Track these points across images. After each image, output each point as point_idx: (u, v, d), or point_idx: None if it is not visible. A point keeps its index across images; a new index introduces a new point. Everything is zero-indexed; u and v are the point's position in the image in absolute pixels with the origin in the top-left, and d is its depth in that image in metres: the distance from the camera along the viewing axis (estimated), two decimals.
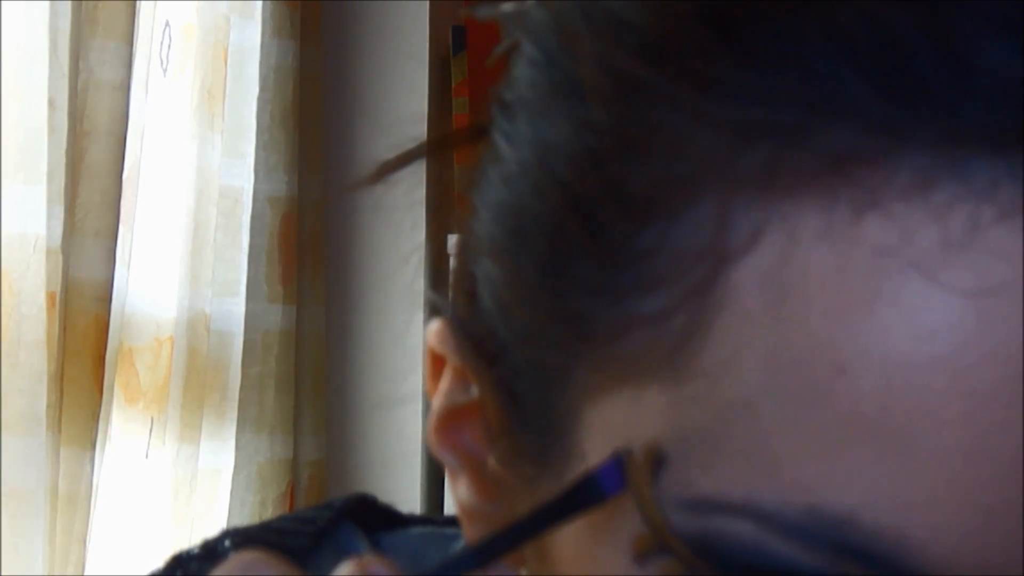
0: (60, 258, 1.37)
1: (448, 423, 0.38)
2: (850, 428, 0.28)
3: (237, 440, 1.63)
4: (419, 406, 1.87)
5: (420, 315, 1.86)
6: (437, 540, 0.50)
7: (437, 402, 0.38)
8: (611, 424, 0.32)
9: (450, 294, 0.40)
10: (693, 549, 0.30)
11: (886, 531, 0.28)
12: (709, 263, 0.30)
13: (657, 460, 0.30)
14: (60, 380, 1.40)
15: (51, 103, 1.34)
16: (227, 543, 0.49)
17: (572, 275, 0.32)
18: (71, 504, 1.43)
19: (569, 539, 0.34)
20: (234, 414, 1.62)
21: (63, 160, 1.37)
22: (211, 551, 0.49)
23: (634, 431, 0.31)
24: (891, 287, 0.28)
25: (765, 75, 0.29)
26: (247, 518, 1.66)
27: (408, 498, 1.83)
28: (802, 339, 0.29)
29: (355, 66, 1.88)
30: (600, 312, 0.32)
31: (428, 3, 1.88)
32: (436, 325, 0.38)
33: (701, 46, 0.30)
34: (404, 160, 0.43)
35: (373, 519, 0.51)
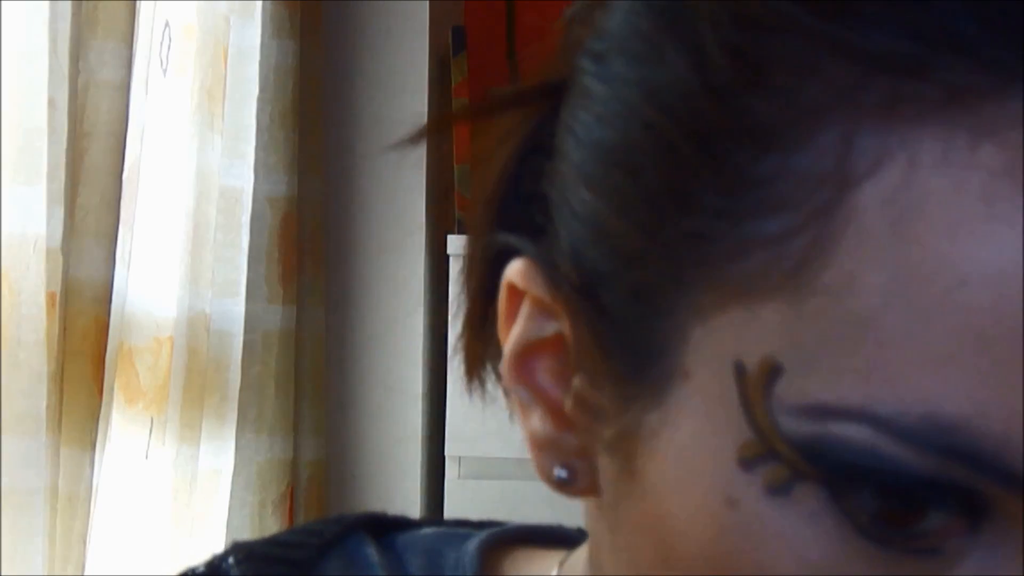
0: (60, 258, 1.37)
1: (524, 357, 0.40)
2: (965, 338, 0.31)
3: (237, 440, 1.63)
4: (419, 406, 1.87)
5: (420, 315, 1.86)
6: (451, 539, 0.50)
7: (513, 338, 0.40)
8: (721, 341, 0.34)
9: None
10: (801, 452, 0.32)
11: (994, 436, 0.31)
12: (833, 187, 0.32)
13: (773, 371, 0.33)
14: (60, 380, 1.39)
15: (51, 103, 1.34)
16: (231, 560, 0.49)
17: (692, 200, 0.34)
18: (71, 504, 1.43)
19: (669, 453, 0.36)
20: (234, 414, 1.62)
21: (63, 160, 1.37)
22: (216, 569, 0.49)
23: (745, 347, 0.34)
24: (1004, 207, 0.31)
25: (888, 7, 0.32)
26: (247, 518, 1.66)
27: (408, 498, 1.83)
28: (923, 256, 0.31)
29: (355, 66, 1.88)
30: (720, 234, 0.34)
31: (428, 3, 1.88)
32: (519, 263, 0.40)
33: None
34: (428, 131, 0.45)
35: (384, 528, 0.51)
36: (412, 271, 1.85)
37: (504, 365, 0.40)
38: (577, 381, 0.39)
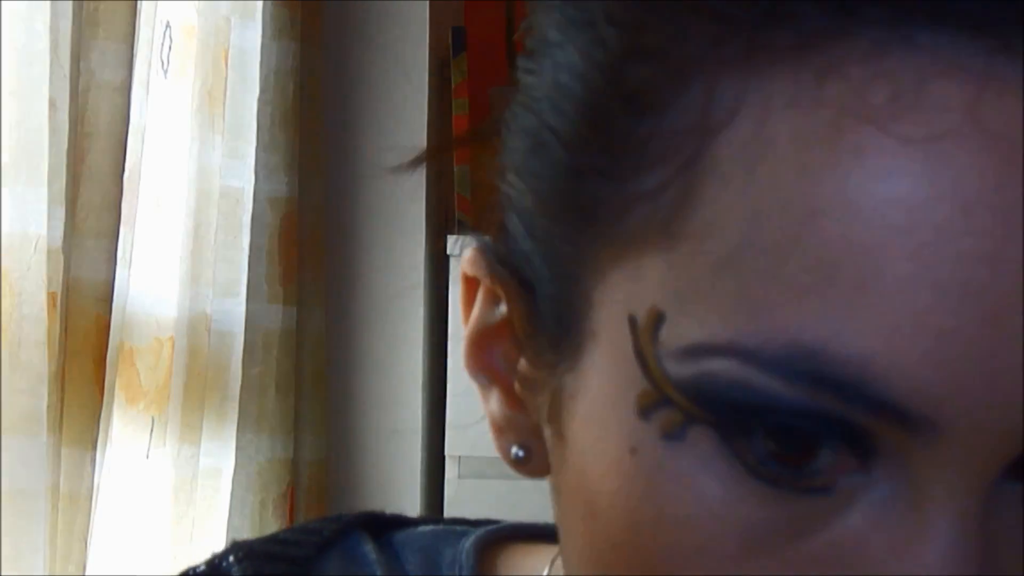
0: (61, 258, 1.37)
1: (480, 343, 0.42)
2: (820, 269, 0.32)
3: (237, 440, 1.63)
4: (419, 405, 1.87)
5: (420, 315, 1.87)
6: (447, 536, 0.51)
7: (470, 325, 0.42)
8: (617, 298, 0.36)
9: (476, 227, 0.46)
10: (687, 394, 0.34)
11: (854, 360, 0.32)
12: (696, 139, 0.34)
13: (657, 319, 0.35)
14: (61, 380, 1.40)
15: (52, 104, 1.35)
16: (231, 558, 0.50)
17: (583, 169, 0.37)
18: (72, 504, 1.43)
19: (583, 412, 0.38)
20: (234, 414, 1.62)
21: (64, 161, 1.37)
22: (216, 568, 0.50)
23: (635, 300, 0.35)
24: (850, 139, 0.32)
25: None
26: (247, 518, 1.66)
27: (408, 498, 1.83)
28: (775, 194, 0.33)
29: (355, 67, 1.88)
30: (606, 196, 0.36)
31: (428, 4, 1.88)
32: (468, 252, 0.42)
33: None
34: (427, 157, 0.49)
35: (382, 526, 0.52)
36: (412, 271, 1.85)
37: (463, 352, 0.43)
38: (521, 360, 0.41)
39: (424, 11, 1.88)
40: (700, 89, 0.34)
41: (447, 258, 1.81)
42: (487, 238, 0.43)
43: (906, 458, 0.33)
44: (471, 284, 0.43)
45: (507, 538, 0.52)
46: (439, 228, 1.87)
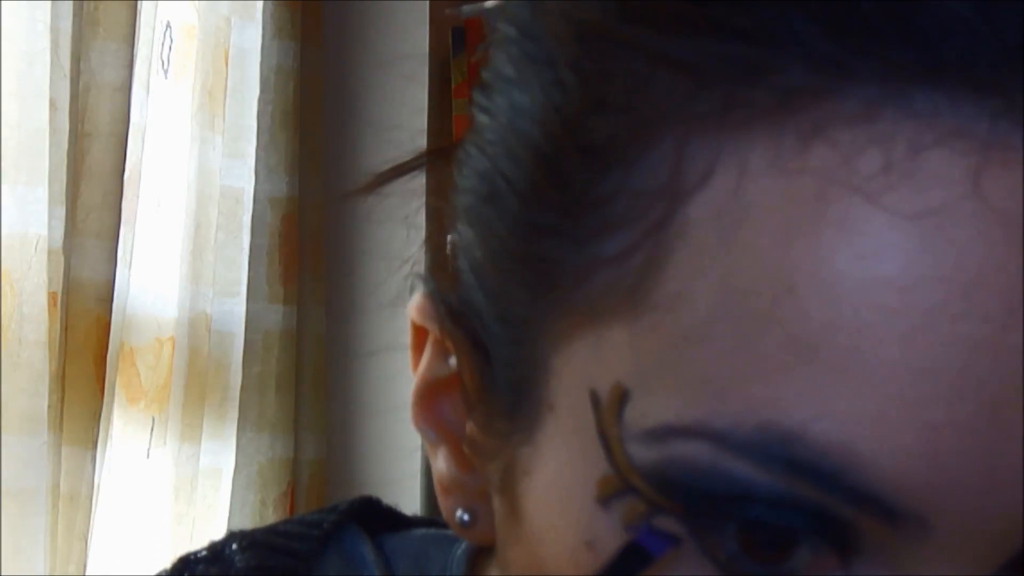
0: (61, 258, 1.37)
1: (428, 396, 0.39)
2: (798, 347, 0.29)
3: (238, 440, 1.63)
4: None
5: None
6: (439, 541, 0.50)
7: (418, 376, 0.39)
8: (577, 370, 0.33)
9: (429, 270, 0.42)
10: (652, 482, 0.31)
11: (835, 447, 0.29)
12: (666, 201, 0.31)
13: (622, 397, 0.31)
14: (61, 380, 1.40)
15: (52, 104, 1.35)
16: (234, 546, 0.49)
17: (539, 225, 0.33)
18: (72, 503, 1.43)
19: (538, 492, 0.35)
20: (235, 414, 1.63)
21: (64, 161, 1.37)
22: (217, 554, 0.50)
23: (598, 374, 0.32)
24: (836, 211, 0.29)
25: (719, 15, 0.30)
26: (248, 517, 1.66)
27: (408, 498, 1.83)
28: (751, 265, 0.30)
29: (355, 67, 1.88)
30: (565, 258, 0.33)
31: (428, 4, 1.88)
32: (416, 299, 0.39)
33: None
34: (402, 170, 0.44)
35: (377, 521, 0.51)
36: (412, 271, 1.85)
37: (410, 405, 0.39)
38: (469, 422, 0.38)
39: (424, 11, 1.88)
40: (670, 147, 0.31)
41: (447, 258, 1.81)
42: (433, 283, 0.39)
43: (892, 555, 0.30)
44: (420, 332, 0.39)
45: None
46: (439, 229, 1.87)
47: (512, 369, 0.35)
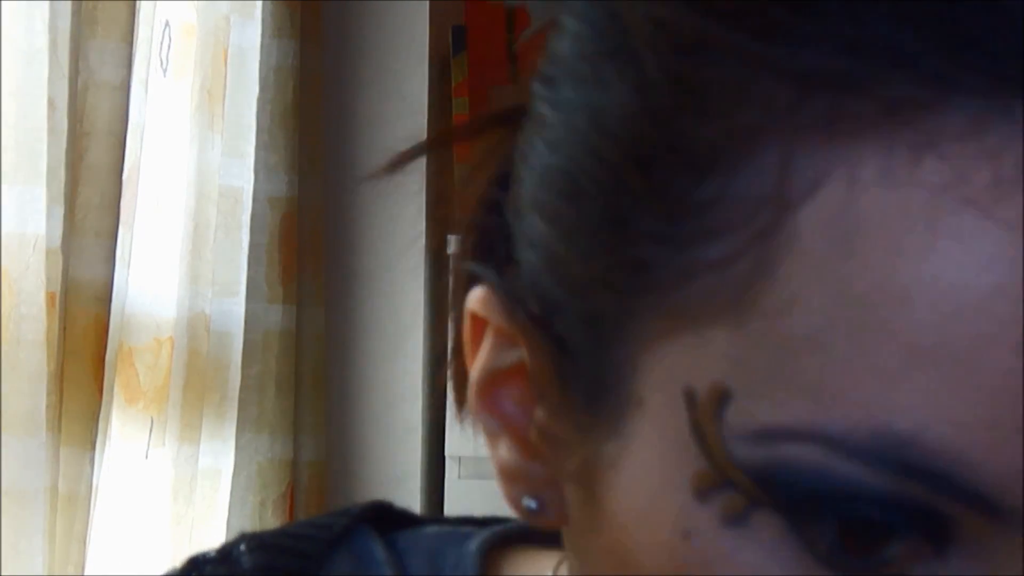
0: (60, 258, 1.37)
1: (489, 386, 0.39)
2: (913, 356, 0.30)
3: (237, 440, 1.63)
4: (419, 406, 1.87)
5: (421, 315, 1.86)
6: (452, 538, 0.50)
7: (478, 366, 0.39)
8: (671, 369, 0.34)
9: (473, 265, 0.42)
10: (755, 479, 0.32)
11: (946, 451, 0.30)
12: (772, 209, 0.32)
13: (722, 397, 0.32)
14: (60, 380, 1.40)
15: (51, 103, 1.34)
16: (242, 547, 0.49)
17: (634, 227, 0.34)
18: (71, 504, 1.43)
19: (626, 484, 0.35)
20: (234, 414, 1.62)
21: (63, 160, 1.37)
22: (227, 555, 0.50)
23: (694, 373, 0.33)
24: (949, 223, 0.30)
25: (822, 25, 0.31)
26: (247, 518, 1.66)
27: (408, 498, 1.83)
28: (865, 275, 0.31)
29: (355, 66, 1.88)
30: (663, 261, 0.33)
31: (428, 3, 1.88)
32: (479, 291, 0.39)
33: None
34: (414, 153, 0.45)
35: (389, 522, 0.51)
36: (412, 271, 1.85)
37: (470, 395, 0.40)
38: (539, 411, 0.39)
39: (424, 10, 1.88)
40: (775, 155, 0.32)
41: (448, 258, 1.80)
42: (491, 271, 0.40)
43: (987, 546, 0.31)
44: (478, 323, 0.40)
45: (513, 540, 0.51)
46: (439, 228, 1.86)
47: (595, 364, 0.36)
